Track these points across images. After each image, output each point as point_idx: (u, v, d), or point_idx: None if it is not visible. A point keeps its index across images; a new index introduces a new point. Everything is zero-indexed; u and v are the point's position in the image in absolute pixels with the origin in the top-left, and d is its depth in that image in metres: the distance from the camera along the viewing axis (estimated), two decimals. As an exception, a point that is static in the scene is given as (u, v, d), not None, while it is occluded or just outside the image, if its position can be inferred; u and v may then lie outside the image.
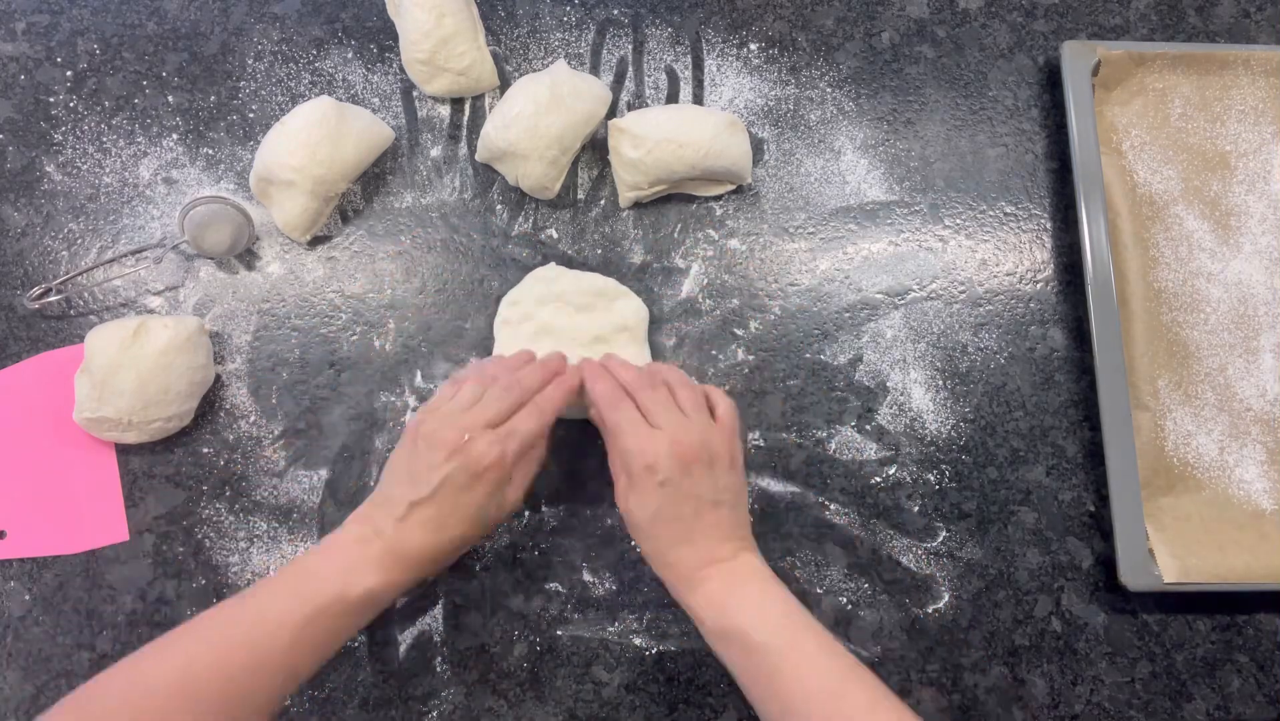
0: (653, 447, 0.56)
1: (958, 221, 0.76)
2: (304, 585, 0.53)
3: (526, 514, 0.69)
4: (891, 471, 0.70)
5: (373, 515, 0.57)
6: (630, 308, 0.70)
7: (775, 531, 0.69)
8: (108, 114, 0.75)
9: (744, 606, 0.55)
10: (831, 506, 0.70)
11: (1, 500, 0.68)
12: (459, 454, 0.56)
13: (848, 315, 0.73)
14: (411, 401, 0.70)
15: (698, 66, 0.78)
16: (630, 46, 0.78)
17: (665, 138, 0.70)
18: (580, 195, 0.75)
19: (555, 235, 0.74)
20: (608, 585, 0.68)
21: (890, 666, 0.67)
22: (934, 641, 0.68)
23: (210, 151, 0.74)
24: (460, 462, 0.56)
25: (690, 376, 0.71)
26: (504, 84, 0.76)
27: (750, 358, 0.72)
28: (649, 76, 0.77)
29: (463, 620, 0.67)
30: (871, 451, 0.71)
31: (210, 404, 0.69)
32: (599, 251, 0.74)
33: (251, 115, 0.75)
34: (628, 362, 0.64)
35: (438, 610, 0.67)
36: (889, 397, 0.72)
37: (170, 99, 0.75)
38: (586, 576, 0.68)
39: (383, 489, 0.58)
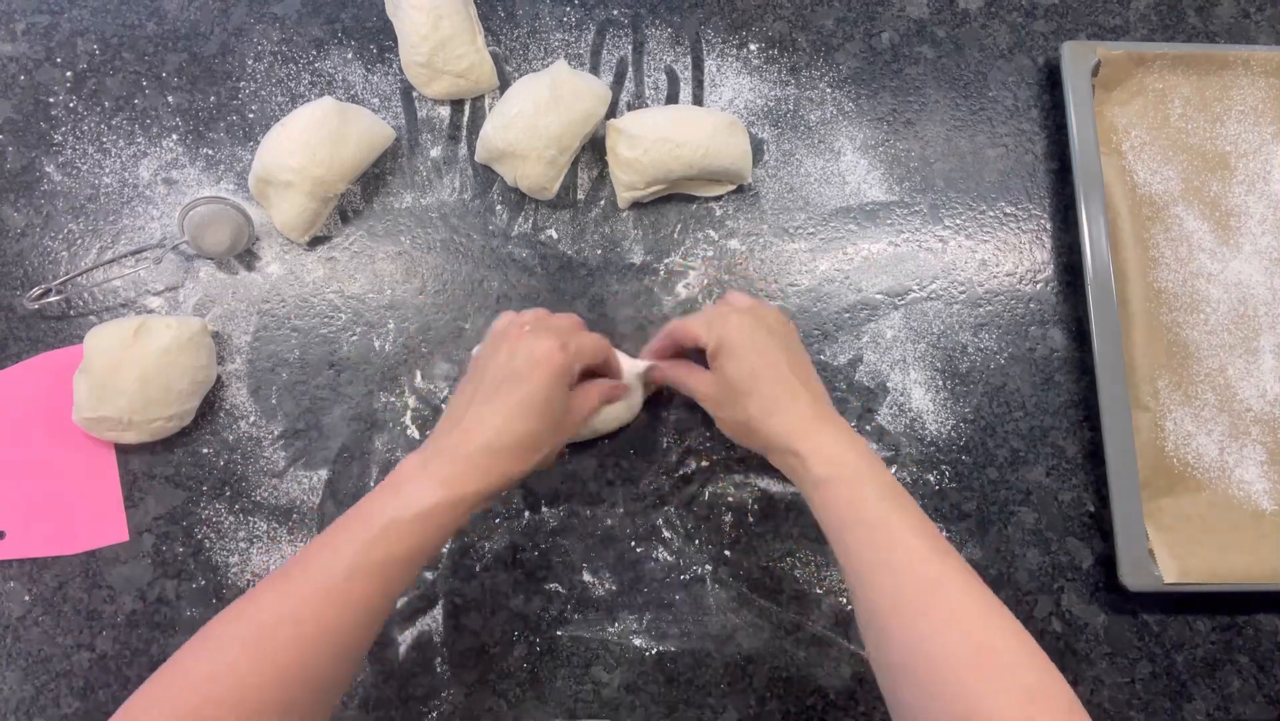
0: (735, 316, 0.60)
1: (958, 222, 0.76)
2: (361, 515, 0.51)
3: (527, 514, 0.69)
4: (891, 471, 0.70)
5: (432, 438, 0.55)
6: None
7: (775, 531, 0.69)
8: (108, 114, 0.75)
9: (859, 462, 0.54)
10: (831, 506, 0.70)
11: (1, 500, 0.68)
12: (518, 344, 0.57)
13: (848, 315, 0.73)
14: (411, 401, 0.70)
15: (698, 67, 0.78)
16: (630, 47, 0.78)
17: (662, 137, 0.70)
18: (580, 195, 0.75)
19: (555, 235, 0.74)
20: (608, 585, 0.68)
21: (890, 666, 0.67)
22: (934, 641, 0.68)
23: (210, 152, 0.74)
24: (517, 350, 0.56)
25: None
26: (504, 84, 0.76)
27: (750, 358, 0.72)
28: (649, 77, 0.77)
29: (463, 620, 0.67)
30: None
31: (210, 404, 0.69)
32: (599, 252, 0.74)
33: (251, 115, 0.75)
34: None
35: (438, 610, 0.67)
36: (889, 398, 0.72)
37: (170, 99, 0.75)
38: (586, 576, 0.68)
39: (444, 414, 0.57)
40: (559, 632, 0.67)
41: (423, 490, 0.51)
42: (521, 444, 0.54)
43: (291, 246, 0.73)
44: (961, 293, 0.74)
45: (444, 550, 0.68)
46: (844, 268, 0.74)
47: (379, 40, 0.77)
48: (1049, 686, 0.45)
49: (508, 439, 0.54)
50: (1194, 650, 0.69)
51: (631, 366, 0.67)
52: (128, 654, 0.65)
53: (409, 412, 0.70)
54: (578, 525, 0.69)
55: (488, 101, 0.76)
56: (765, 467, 0.70)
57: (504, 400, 0.54)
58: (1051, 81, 0.79)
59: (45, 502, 0.68)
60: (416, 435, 0.70)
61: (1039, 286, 0.75)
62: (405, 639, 0.66)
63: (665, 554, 0.68)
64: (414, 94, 0.76)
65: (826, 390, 0.60)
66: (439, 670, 0.66)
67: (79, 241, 0.72)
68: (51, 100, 0.75)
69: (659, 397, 0.71)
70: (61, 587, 0.67)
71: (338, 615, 0.48)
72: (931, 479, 0.70)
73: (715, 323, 0.60)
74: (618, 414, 0.67)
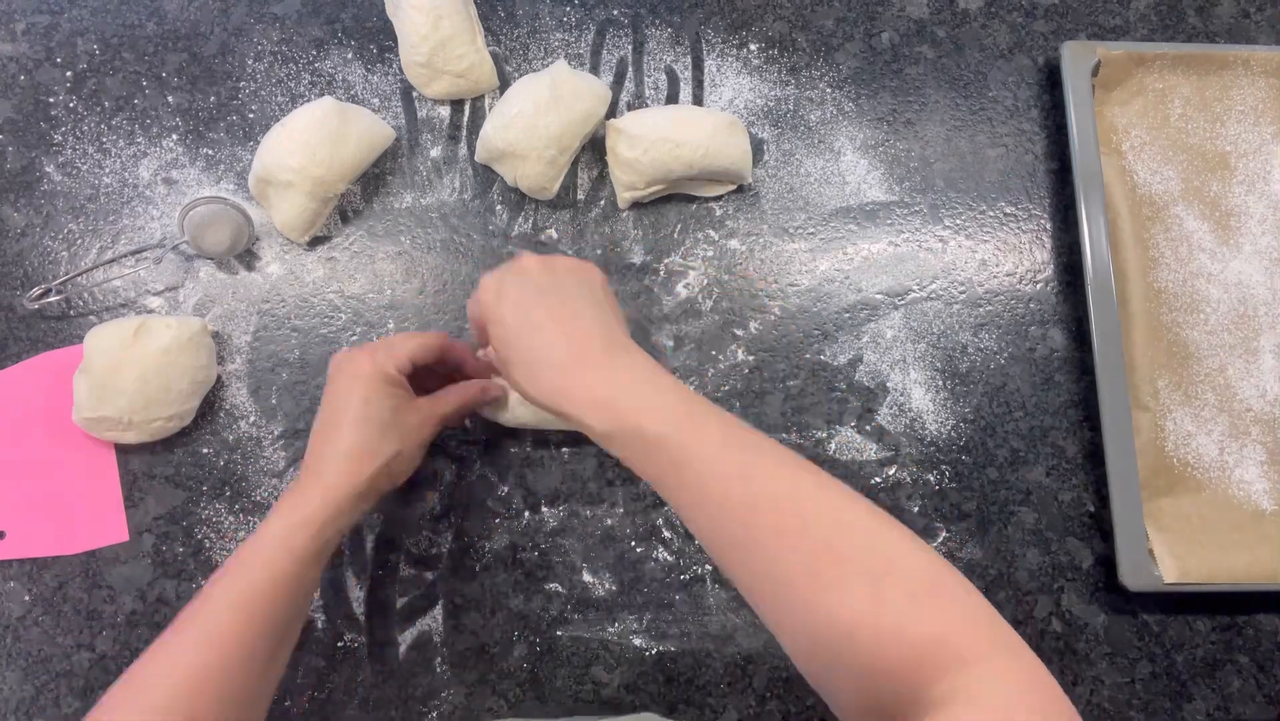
0: (491, 280, 0.54)
1: (958, 222, 0.76)
2: (232, 557, 0.54)
3: (527, 514, 0.69)
4: (891, 471, 0.70)
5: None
6: None
7: (775, 531, 0.69)
8: (108, 114, 0.75)
9: (635, 401, 0.49)
10: (831, 506, 0.70)
11: (1, 500, 0.68)
12: (334, 369, 0.59)
13: (848, 315, 0.73)
14: (411, 401, 0.70)
15: (698, 67, 0.78)
16: (630, 47, 0.78)
17: (662, 137, 0.70)
18: (580, 195, 0.75)
19: (555, 235, 0.74)
20: (608, 585, 0.68)
21: (890, 666, 0.67)
22: (934, 641, 0.68)
23: (210, 152, 0.74)
24: (334, 374, 0.59)
25: (690, 377, 0.71)
26: (504, 84, 0.76)
27: (750, 358, 0.72)
28: (649, 77, 0.77)
29: (463, 620, 0.67)
30: (871, 451, 0.71)
31: (210, 404, 0.69)
32: (599, 252, 0.74)
33: (251, 115, 0.75)
34: None
35: (438, 610, 0.67)
36: (889, 398, 0.72)
37: (170, 99, 0.75)
38: (586, 576, 0.68)
39: None
40: (559, 632, 0.67)
41: (273, 521, 0.54)
42: (349, 455, 0.56)
43: (291, 246, 0.73)
44: (961, 293, 0.74)
45: (446, 548, 0.68)
46: (844, 268, 0.74)
47: (379, 40, 0.77)
48: (895, 562, 0.42)
49: (334, 453, 0.56)
50: (1194, 650, 0.69)
51: None
52: (128, 654, 0.65)
53: (409, 412, 0.70)
54: (578, 525, 0.69)
55: (488, 101, 0.76)
56: (765, 467, 0.70)
57: (328, 421, 0.58)
58: (1051, 81, 0.79)
59: (45, 502, 0.68)
60: (416, 435, 0.70)
61: (1039, 286, 0.75)
62: (405, 639, 0.66)
63: (665, 554, 0.68)
64: (414, 94, 0.76)
65: (619, 323, 0.54)
66: (439, 670, 0.66)
67: (79, 241, 0.72)
68: (51, 100, 0.75)
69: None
70: (61, 587, 0.67)
71: (209, 655, 0.50)
72: (931, 479, 0.70)
73: (477, 295, 0.55)
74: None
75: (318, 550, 0.54)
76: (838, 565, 0.42)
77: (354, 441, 0.56)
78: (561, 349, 0.51)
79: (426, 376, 0.63)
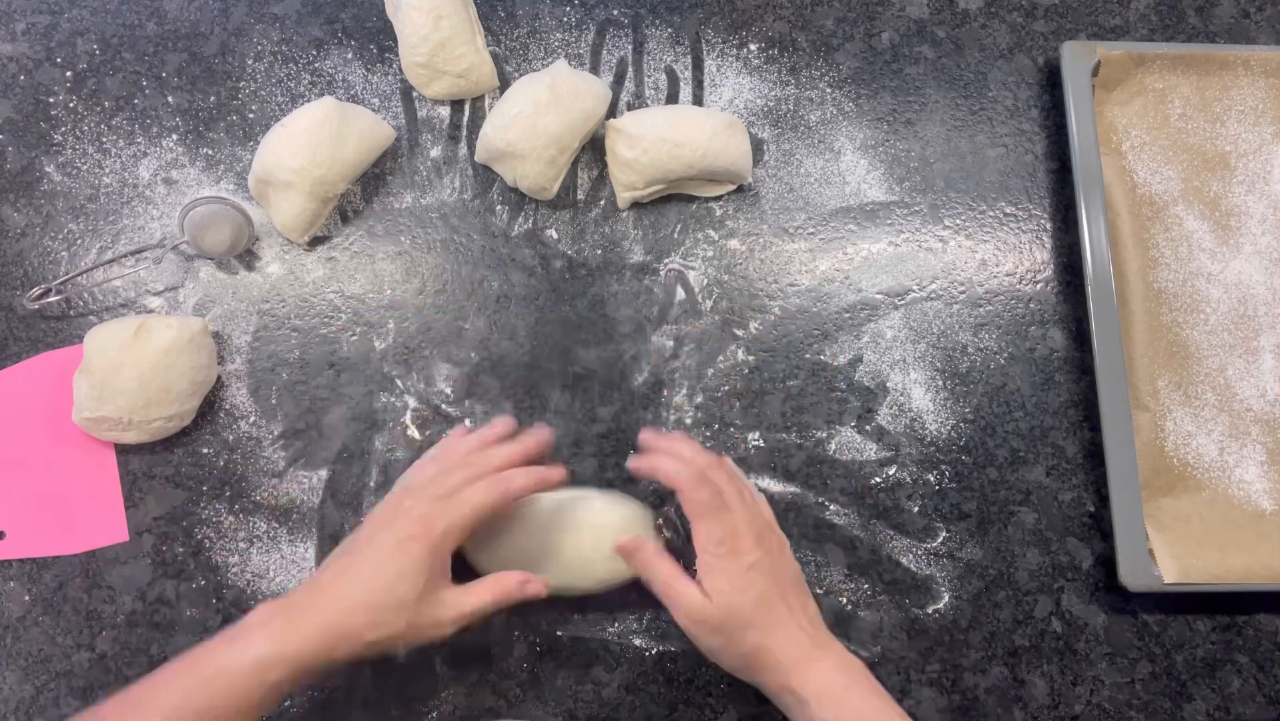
0: (743, 532, 0.56)
1: (958, 222, 0.76)
2: (193, 659, 0.51)
3: (526, 514, 0.69)
4: (891, 471, 0.70)
5: (295, 590, 0.54)
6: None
7: (775, 531, 0.69)
8: (108, 114, 0.75)
9: (862, 701, 0.54)
10: (831, 507, 0.70)
11: (1, 500, 0.68)
12: (391, 517, 0.55)
13: (848, 315, 0.73)
14: (411, 402, 0.70)
15: (697, 67, 0.78)
16: (630, 47, 0.78)
17: (661, 137, 0.70)
18: (580, 195, 0.75)
19: (555, 235, 0.74)
20: (608, 585, 0.68)
21: (890, 667, 0.67)
22: (934, 642, 0.68)
23: (210, 152, 0.74)
24: (392, 523, 0.54)
25: (690, 378, 0.71)
26: (504, 84, 0.76)
27: (750, 358, 0.72)
28: (649, 77, 0.77)
29: (463, 620, 0.67)
30: (871, 451, 0.71)
31: (210, 404, 0.69)
32: (599, 252, 0.74)
33: (251, 115, 0.75)
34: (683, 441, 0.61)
35: (438, 610, 0.67)
36: (889, 398, 0.72)
37: (170, 99, 0.75)
38: (586, 576, 0.68)
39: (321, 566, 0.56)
40: (559, 632, 0.67)
41: (256, 640, 0.51)
42: (353, 616, 0.52)
43: (291, 246, 0.73)
44: (961, 293, 0.74)
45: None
46: (844, 268, 0.74)
47: (379, 40, 0.77)
48: None
49: (340, 607, 0.53)
50: (1194, 650, 0.69)
51: (621, 520, 0.63)
52: (128, 654, 0.65)
53: (409, 412, 0.70)
54: (578, 525, 0.69)
55: (488, 101, 0.76)
56: (763, 467, 0.70)
57: (356, 569, 0.54)
58: (1051, 81, 0.79)
59: (45, 502, 0.68)
60: (416, 435, 0.70)
61: (1039, 286, 0.75)
62: (405, 639, 0.66)
63: (665, 554, 0.68)
64: (414, 94, 0.76)
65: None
66: (439, 670, 0.66)
67: (79, 241, 0.72)
68: (51, 100, 0.75)
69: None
70: (61, 587, 0.67)
71: None
72: (931, 479, 0.71)
73: (715, 522, 0.55)
74: (605, 574, 0.63)
75: (288, 690, 0.52)
76: None
77: (365, 604, 0.53)
78: (805, 632, 0.55)
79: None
